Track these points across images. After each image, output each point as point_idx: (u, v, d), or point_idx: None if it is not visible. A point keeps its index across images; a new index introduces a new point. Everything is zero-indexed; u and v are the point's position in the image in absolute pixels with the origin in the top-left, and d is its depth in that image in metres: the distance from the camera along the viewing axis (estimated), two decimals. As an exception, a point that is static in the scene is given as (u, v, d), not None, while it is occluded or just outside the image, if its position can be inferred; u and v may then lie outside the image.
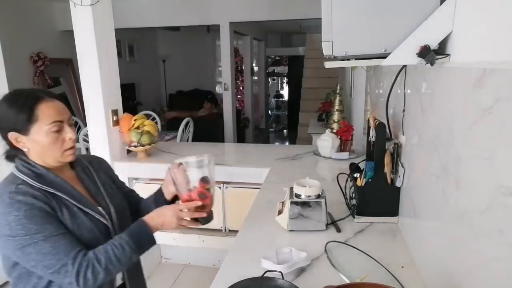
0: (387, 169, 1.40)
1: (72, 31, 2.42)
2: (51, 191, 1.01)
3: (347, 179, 1.57)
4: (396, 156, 1.40)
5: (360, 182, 1.46)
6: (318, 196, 1.38)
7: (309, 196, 1.38)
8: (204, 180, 1.17)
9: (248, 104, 7.48)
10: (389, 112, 1.54)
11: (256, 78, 8.47)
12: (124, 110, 2.68)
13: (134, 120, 2.55)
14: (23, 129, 1.00)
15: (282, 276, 1.02)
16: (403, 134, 1.37)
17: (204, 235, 2.50)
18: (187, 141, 4.23)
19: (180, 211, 1.12)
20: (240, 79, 7.62)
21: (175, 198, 1.27)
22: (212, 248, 2.56)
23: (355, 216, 1.47)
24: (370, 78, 2.51)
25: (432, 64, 0.94)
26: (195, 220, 1.16)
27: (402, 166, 1.36)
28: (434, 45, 0.94)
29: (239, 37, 7.05)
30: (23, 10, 4.79)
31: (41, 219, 0.95)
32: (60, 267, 0.94)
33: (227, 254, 1.28)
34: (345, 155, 2.41)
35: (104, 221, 1.10)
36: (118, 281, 1.16)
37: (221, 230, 2.48)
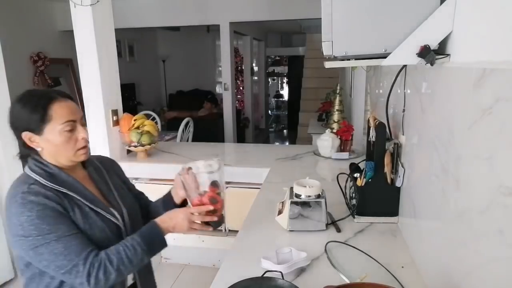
0: (387, 169, 1.40)
1: (72, 31, 2.42)
2: (63, 190, 1.02)
3: (347, 179, 1.57)
4: (396, 156, 1.40)
5: (360, 182, 1.46)
6: (318, 196, 1.38)
7: (309, 196, 1.37)
8: (214, 184, 1.17)
9: (248, 104, 7.48)
10: (389, 112, 1.54)
11: (256, 78, 8.47)
12: (124, 110, 2.68)
13: (134, 120, 2.55)
14: (37, 129, 1.01)
15: (282, 276, 1.02)
16: (403, 134, 1.37)
17: (204, 235, 2.50)
18: (187, 141, 4.23)
19: (191, 215, 1.13)
20: (240, 79, 7.62)
21: (184, 202, 1.28)
22: (212, 248, 2.56)
23: (355, 216, 1.47)
24: (370, 78, 2.51)
25: (432, 64, 0.94)
26: (206, 223, 1.16)
27: (402, 166, 1.36)
28: (434, 45, 0.94)
29: (239, 37, 7.05)
30: (23, 10, 4.79)
31: (54, 219, 0.96)
32: (72, 268, 0.95)
33: (227, 254, 1.27)
34: (345, 155, 2.41)
35: (116, 222, 1.10)
36: (129, 281, 1.17)
37: (221, 230, 2.48)
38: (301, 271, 1.13)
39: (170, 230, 1.11)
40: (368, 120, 1.59)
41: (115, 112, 2.54)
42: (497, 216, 0.67)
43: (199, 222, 1.14)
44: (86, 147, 1.09)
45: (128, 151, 2.68)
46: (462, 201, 0.82)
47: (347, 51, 1.05)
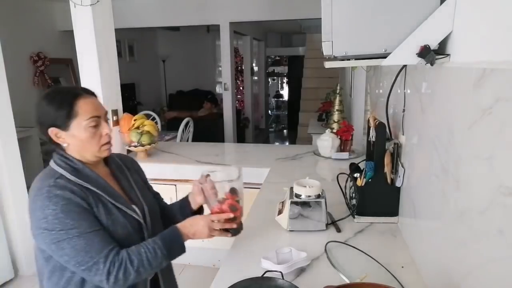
0: (387, 169, 1.40)
1: (72, 31, 2.42)
2: (87, 186, 1.03)
3: (347, 179, 1.57)
4: (396, 156, 1.40)
5: (360, 182, 1.46)
6: (318, 196, 1.38)
7: (309, 196, 1.37)
8: (233, 191, 1.19)
9: (248, 104, 7.48)
10: (389, 112, 1.54)
11: (256, 78, 8.47)
12: (124, 110, 2.68)
13: (134, 120, 2.55)
14: (63, 125, 1.02)
15: (282, 276, 1.02)
16: (403, 134, 1.37)
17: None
18: (187, 141, 4.23)
19: (211, 222, 1.13)
20: (240, 79, 7.62)
21: (201, 208, 1.29)
22: (212, 248, 2.56)
23: (355, 216, 1.47)
24: (370, 78, 2.51)
25: (432, 64, 0.94)
26: (225, 230, 1.17)
27: (402, 166, 1.36)
28: (434, 45, 0.94)
29: (239, 37, 7.05)
30: (23, 10, 4.79)
31: (78, 215, 0.96)
32: (92, 265, 0.95)
33: (227, 254, 1.27)
34: (345, 155, 2.41)
35: (137, 218, 1.11)
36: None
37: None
38: (301, 271, 1.13)
39: (190, 236, 1.12)
40: (368, 120, 1.59)
41: (115, 112, 2.54)
42: (497, 216, 0.67)
43: (218, 229, 1.15)
44: (109, 142, 1.10)
45: (128, 151, 2.68)
46: (462, 201, 0.82)
47: (347, 51, 1.05)
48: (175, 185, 2.45)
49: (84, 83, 2.43)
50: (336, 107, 2.90)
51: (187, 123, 4.21)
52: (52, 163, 1.06)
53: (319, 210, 1.37)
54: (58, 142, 1.05)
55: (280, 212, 1.45)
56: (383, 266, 1.13)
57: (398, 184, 1.39)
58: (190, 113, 5.68)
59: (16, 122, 2.64)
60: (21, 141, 2.81)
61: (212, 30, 7.33)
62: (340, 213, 1.49)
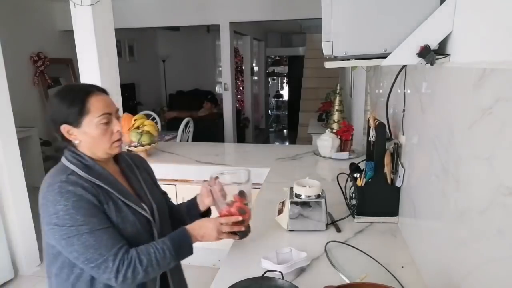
0: (387, 169, 1.40)
1: (72, 31, 2.42)
2: (98, 183, 1.03)
3: (347, 179, 1.57)
4: (396, 156, 1.40)
5: (360, 182, 1.46)
6: (318, 196, 1.38)
7: (309, 196, 1.37)
8: (241, 194, 1.20)
9: (248, 104, 7.48)
10: (389, 112, 1.54)
11: (256, 78, 8.46)
12: (124, 110, 2.68)
13: (134, 120, 2.55)
14: (75, 122, 1.03)
15: (282, 276, 1.02)
16: (403, 134, 1.37)
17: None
18: (187, 141, 4.23)
19: (220, 225, 1.14)
20: (240, 79, 7.62)
21: (208, 210, 1.30)
22: (212, 248, 2.56)
23: (355, 216, 1.47)
24: (370, 78, 2.51)
25: (432, 64, 0.94)
26: (233, 233, 1.18)
27: (402, 166, 1.36)
28: (434, 45, 0.94)
29: (239, 37, 7.05)
30: (23, 10, 4.79)
31: (88, 211, 0.97)
32: (101, 262, 0.95)
33: (227, 254, 1.28)
34: (345, 155, 2.41)
35: (147, 215, 1.11)
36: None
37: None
38: (301, 271, 1.13)
39: (199, 238, 1.12)
40: (368, 120, 1.59)
41: (115, 112, 2.53)
42: (497, 216, 0.67)
43: (226, 232, 1.16)
44: (120, 139, 1.10)
45: (128, 151, 2.67)
46: (462, 201, 0.82)
47: (347, 51, 1.05)
48: (175, 185, 2.45)
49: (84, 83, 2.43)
50: (336, 107, 2.90)
51: (187, 123, 4.21)
52: (63, 160, 1.06)
53: (319, 210, 1.37)
54: (70, 139, 1.05)
55: (280, 212, 1.45)
56: (383, 266, 1.13)
57: (398, 184, 1.39)
58: (190, 113, 5.68)
59: (16, 122, 2.65)
60: (21, 141, 2.81)
61: (212, 30, 7.33)
62: (340, 213, 1.49)
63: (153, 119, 4.27)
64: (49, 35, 5.21)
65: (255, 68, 8.42)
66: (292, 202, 1.37)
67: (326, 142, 2.42)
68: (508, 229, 0.63)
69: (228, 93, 5.54)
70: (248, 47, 7.26)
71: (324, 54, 1.10)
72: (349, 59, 1.09)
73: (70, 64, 5.50)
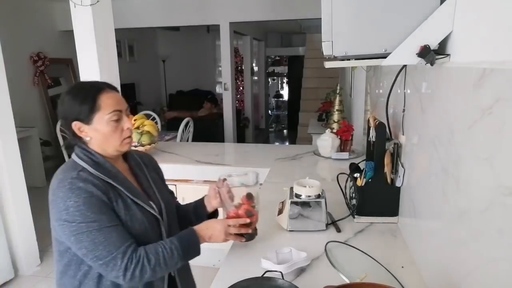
0: (387, 169, 1.40)
1: (72, 31, 2.42)
2: (108, 181, 1.03)
3: (347, 179, 1.57)
4: (396, 156, 1.40)
5: (360, 182, 1.45)
6: (318, 196, 1.38)
7: (309, 196, 1.37)
8: (249, 196, 1.21)
9: (248, 104, 7.48)
10: (389, 112, 1.54)
11: (256, 78, 8.47)
12: (124, 110, 2.68)
13: (134, 120, 2.55)
14: (86, 119, 1.03)
15: (282, 276, 1.02)
16: (403, 134, 1.37)
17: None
18: (187, 141, 4.23)
19: (228, 226, 1.14)
20: (240, 79, 7.63)
21: (215, 211, 1.30)
22: (212, 248, 2.56)
23: (355, 216, 1.47)
24: (370, 78, 2.51)
25: (432, 64, 0.94)
26: (240, 235, 1.19)
27: (402, 166, 1.36)
28: (434, 45, 0.94)
29: (239, 37, 7.05)
30: (23, 10, 4.79)
31: (98, 208, 0.97)
32: (110, 260, 0.96)
33: (227, 254, 1.27)
34: (345, 155, 2.41)
35: (155, 214, 1.11)
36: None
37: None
38: (301, 271, 1.13)
39: (206, 239, 1.12)
40: (368, 120, 1.59)
41: (115, 112, 2.53)
42: (497, 216, 0.67)
43: (233, 233, 1.17)
44: (130, 137, 1.11)
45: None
46: (462, 201, 0.82)
47: (347, 51, 1.05)
48: (175, 185, 2.44)
49: (84, 83, 2.43)
50: (336, 107, 2.90)
51: (187, 123, 4.21)
52: (74, 156, 1.07)
53: (319, 210, 1.37)
54: (81, 136, 1.06)
55: (280, 212, 1.45)
56: (383, 266, 1.13)
57: (398, 184, 1.39)
58: (190, 113, 5.68)
59: (16, 122, 2.65)
60: (21, 141, 2.81)
61: (212, 30, 7.33)
62: (340, 213, 1.49)
63: (153, 119, 4.28)
64: (49, 35, 5.22)
65: (255, 68, 8.42)
66: (292, 202, 1.37)
67: (326, 142, 2.42)
68: (508, 229, 0.63)
69: (228, 93, 5.54)
70: (248, 47, 7.27)
71: (324, 54, 1.10)
72: (349, 59, 1.09)
73: (70, 64, 5.50)
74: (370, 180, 1.43)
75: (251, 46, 7.39)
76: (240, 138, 6.56)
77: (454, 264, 0.87)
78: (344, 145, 2.47)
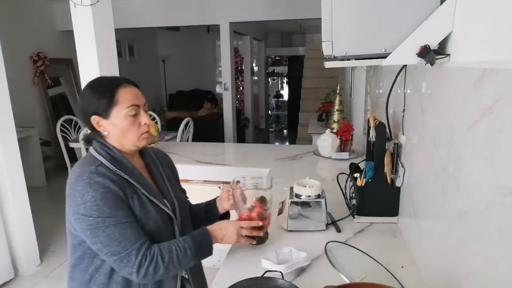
0: (387, 169, 1.40)
1: (72, 31, 2.42)
2: (125, 176, 1.03)
3: (347, 179, 1.57)
4: (396, 156, 1.40)
5: (360, 182, 1.45)
6: (318, 196, 1.38)
7: (309, 196, 1.37)
8: (262, 200, 1.21)
9: (248, 104, 7.48)
10: (389, 112, 1.54)
11: (256, 78, 8.47)
12: (124, 110, 2.67)
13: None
14: (104, 113, 1.04)
15: (282, 276, 1.02)
16: (403, 134, 1.37)
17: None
18: (187, 141, 4.23)
19: (240, 229, 1.15)
20: (240, 79, 7.63)
21: (227, 213, 1.31)
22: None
23: (355, 216, 1.47)
24: (370, 78, 2.51)
25: (432, 64, 0.94)
26: (251, 237, 1.19)
27: (402, 166, 1.36)
28: (434, 45, 0.94)
29: (239, 37, 7.05)
30: (23, 10, 4.79)
31: (115, 204, 0.97)
32: (125, 256, 0.96)
33: (227, 254, 1.27)
34: (345, 155, 2.41)
35: (169, 213, 1.11)
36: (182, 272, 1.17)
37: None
38: (301, 271, 1.13)
39: (219, 240, 1.13)
40: (368, 120, 1.59)
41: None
42: (497, 216, 0.67)
43: (244, 235, 1.17)
44: (148, 132, 1.11)
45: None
46: (462, 201, 0.82)
47: (347, 51, 1.05)
48: (175, 185, 2.45)
49: (84, 83, 2.43)
50: (336, 107, 2.90)
51: (187, 123, 4.21)
52: (92, 150, 1.07)
53: (319, 210, 1.37)
54: (99, 130, 1.06)
55: (280, 212, 1.45)
56: (383, 266, 1.13)
57: (398, 184, 1.39)
58: (190, 113, 5.68)
59: (16, 122, 2.65)
60: (21, 141, 2.81)
61: (212, 30, 7.33)
62: (340, 213, 1.49)
63: (153, 119, 4.28)
64: (49, 35, 5.22)
65: (255, 68, 8.42)
66: (292, 202, 1.37)
67: (326, 142, 2.42)
68: (508, 229, 0.63)
69: (228, 93, 5.54)
70: (248, 47, 7.27)
71: (324, 54, 1.10)
72: (349, 59, 1.09)
73: (70, 64, 5.50)
74: (370, 180, 1.43)
75: (251, 46, 7.39)
76: (240, 138, 6.56)
77: (454, 264, 0.87)
78: (344, 145, 2.47)
